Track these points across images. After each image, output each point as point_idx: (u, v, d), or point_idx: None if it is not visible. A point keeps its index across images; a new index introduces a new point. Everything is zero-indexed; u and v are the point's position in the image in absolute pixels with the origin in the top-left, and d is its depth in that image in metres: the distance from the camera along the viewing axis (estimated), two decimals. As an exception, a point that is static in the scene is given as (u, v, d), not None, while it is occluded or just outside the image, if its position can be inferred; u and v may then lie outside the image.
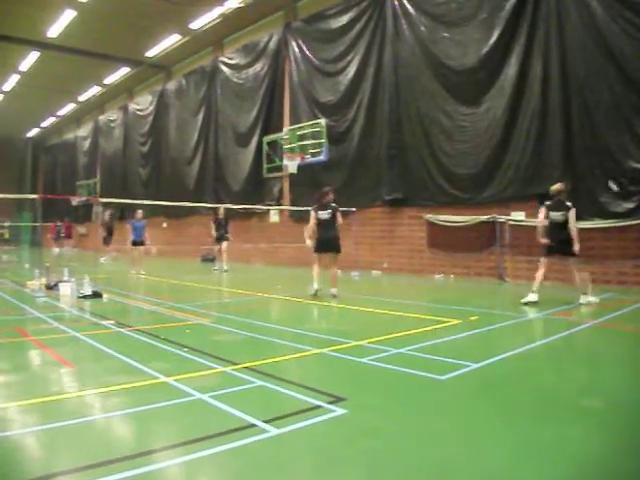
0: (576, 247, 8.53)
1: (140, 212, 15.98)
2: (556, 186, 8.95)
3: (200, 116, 23.99)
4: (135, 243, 15.57)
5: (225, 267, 16.61)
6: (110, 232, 22.43)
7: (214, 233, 16.82)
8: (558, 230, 8.61)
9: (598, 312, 8.02)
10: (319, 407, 3.69)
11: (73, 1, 18.77)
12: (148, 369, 4.69)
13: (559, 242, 8.60)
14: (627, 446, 3.22)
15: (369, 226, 16.35)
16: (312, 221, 10.00)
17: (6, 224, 38.02)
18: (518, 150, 12.59)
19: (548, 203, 8.88)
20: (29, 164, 46.06)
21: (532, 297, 8.56)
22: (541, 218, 8.88)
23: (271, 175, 19.80)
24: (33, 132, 43.37)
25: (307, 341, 5.93)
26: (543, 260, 8.88)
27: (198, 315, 7.87)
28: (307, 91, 18.40)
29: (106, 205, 20.84)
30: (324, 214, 9.90)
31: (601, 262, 11.43)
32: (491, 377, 4.64)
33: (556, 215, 8.68)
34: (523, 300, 8.62)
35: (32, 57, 25.06)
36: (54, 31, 21.52)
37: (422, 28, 14.62)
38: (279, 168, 19.12)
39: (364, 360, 5.01)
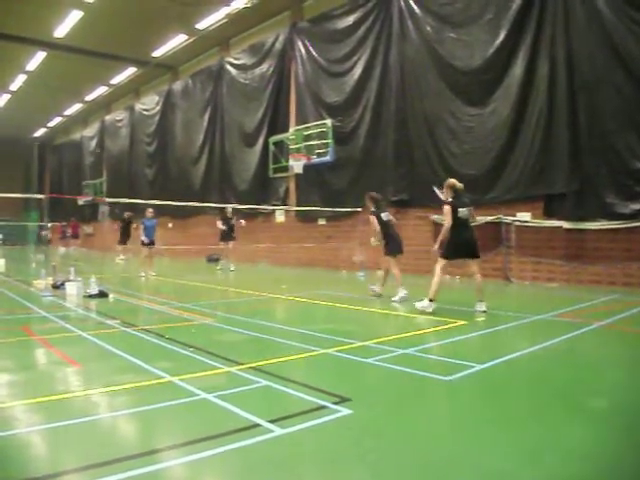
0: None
1: (151, 211, 15.53)
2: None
3: (206, 116, 24.04)
4: (145, 243, 15.23)
5: (232, 267, 16.81)
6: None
7: (222, 229, 17.21)
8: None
9: (604, 314, 7.98)
10: (324, 407, 3.70)
11: (80, 1, 18.85)
12: (154, 369, 4.70)
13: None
14: (630, 447, 3.21)
15: (374, 226, 16.31)
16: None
17: None
18: (524, 151, 12.55)
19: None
20: (36, 164, 46.15)
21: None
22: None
23: (277, 175, 19.81)
24: (40, 132, 43.57)
25: (312, 341, 5.93)
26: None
27: (204, 315, 7.88)
28: (313, 91, 18.41)
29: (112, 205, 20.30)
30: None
31: (607, 263, 11.39)
32: (496, 378, 4.63)
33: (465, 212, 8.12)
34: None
35: (39, 57, 25.19)
36: (61, 31, 21.64)
37: (428, 28, 14.60)
38: (285, 168, 19.14)
39: (369, 360, 5.01)
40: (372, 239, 10.20)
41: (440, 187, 10.03)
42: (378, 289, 10.09)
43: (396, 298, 9.37)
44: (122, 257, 19.24)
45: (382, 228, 9.76)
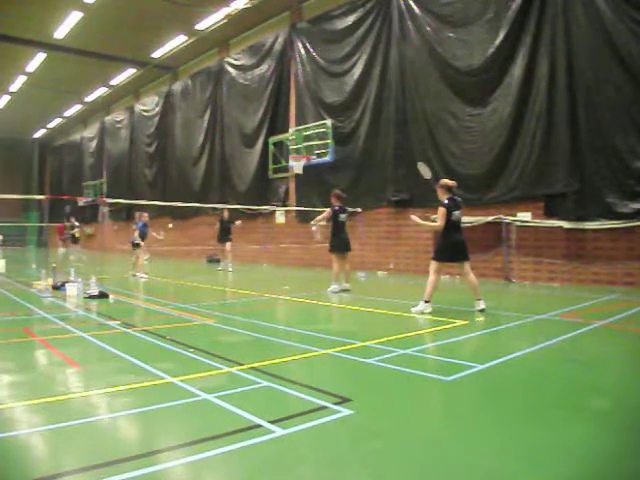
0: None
1: (138, 214, 15.87)
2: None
3: (206, 117, 24.04)
4: (139, 244, 15.41)
5: (230, 267, 16.83)
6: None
7: (217, 229, 17.36)
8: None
9: (604, 313, 7.98)
10: (325, 408, 3.69)
11: (80, 2, 18.85)
12: (154, 369, 4.70)
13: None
14: (630, 447, 3.21)
15: (375, 227, 16.34)
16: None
17: None
18: (524, 150, 12.55)
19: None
20: (36, 165, 46.27)
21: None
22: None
23: (277, 176, 19.82)
24: (40, 133, 43.58)
25: (313, 342, 5.93)
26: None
27: (204, 316, 7.88)
28: (313, 92, 18.40)
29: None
30: (457, 215, 8.15)
31: (607, 263, 11.39)
32: (497, 378, 4.62)
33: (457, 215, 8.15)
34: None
35: (39, 58, 25.19)
36: (61, 32, 21.63)
37: (428, 28, 14.59)
38: (285, 169, 19.15)
39: (370, 361, 5.01)
40: (313, 221, 11.61)
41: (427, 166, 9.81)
42: (338, 286, 10.88)
43: (328, 290, 10.73)
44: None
45: (334, 225, 10.98)
